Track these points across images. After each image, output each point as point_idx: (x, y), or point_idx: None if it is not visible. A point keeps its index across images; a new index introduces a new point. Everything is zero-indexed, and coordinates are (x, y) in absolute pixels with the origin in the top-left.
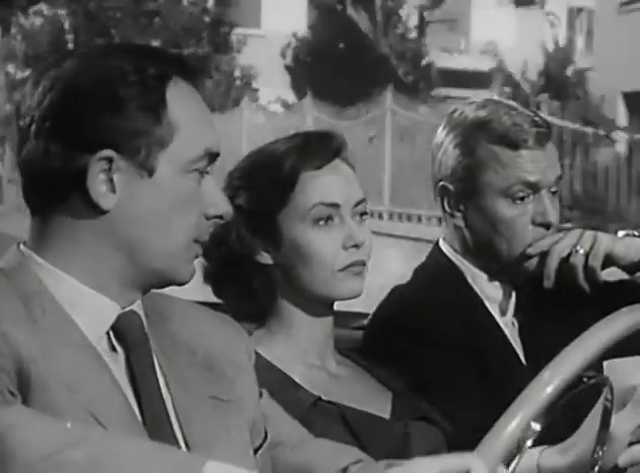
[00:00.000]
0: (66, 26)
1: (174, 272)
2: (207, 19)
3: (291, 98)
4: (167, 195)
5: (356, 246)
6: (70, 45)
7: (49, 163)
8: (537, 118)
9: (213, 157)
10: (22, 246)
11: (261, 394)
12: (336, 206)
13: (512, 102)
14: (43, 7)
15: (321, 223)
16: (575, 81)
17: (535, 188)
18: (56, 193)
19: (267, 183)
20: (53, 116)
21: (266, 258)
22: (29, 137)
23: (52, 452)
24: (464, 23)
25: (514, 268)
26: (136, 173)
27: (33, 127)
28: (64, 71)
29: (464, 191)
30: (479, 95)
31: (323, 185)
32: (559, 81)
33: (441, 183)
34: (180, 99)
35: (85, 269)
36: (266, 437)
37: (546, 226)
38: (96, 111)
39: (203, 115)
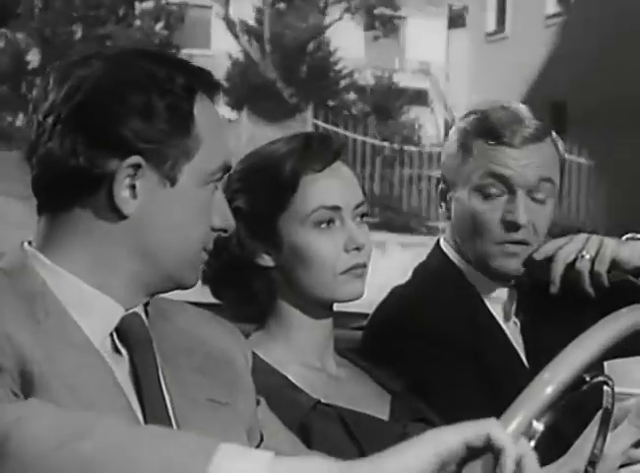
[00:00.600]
0: (24, 47)
1: (183, 277)
2: (156, 41)
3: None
4: (186, 205)
5: (358, 249)
6: (29, 66)
7: (75, 162)
8: (533, 121)
9: (227, 169)
10: (25, 245)
11: (258, 402)
12: (337, 209)
13: (522, 106)
14: (7, 31)
15: (322, 226)
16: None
17: (508, 185)
18: (75, 193)
19: (267, 187)
20: (83, 116)
21: (266, 261)
22: (52, 134)
23: (61, 444)
24: (398, 42)
25: (492, 268)
26: (159, 182)
27: (59, 126)
28: (92, 71)
29: (449, 182)
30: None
31: (324, 188)
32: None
33: (438, 176)
34: (204, 112)
35: (92, 270)
36: (262, 439)
37: (515, 226)
38: (129, 117)
39: (222, 129)
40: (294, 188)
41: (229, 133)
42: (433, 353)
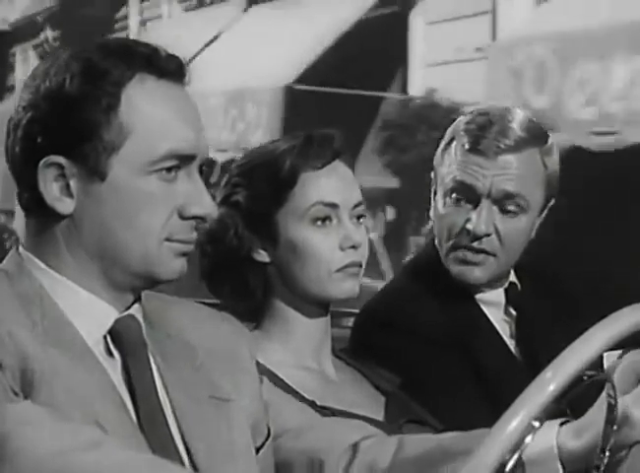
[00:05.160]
0: None
1: (153, 272)
2: None
3: None
4: (126, 197)
5: (354, 247)
6: None
7: (12, 165)
8: (517, 131)
9: (185, 158)
10: (20, 249)
11: (261, 381)
12: (334, 206)
13: (519, 113)
14: None
15: (318, 223)
16: None
17: (474, 194)
18: (31, 197)
19: (266, 182)
20: (20, 121)
21: (263, 256)
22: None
23: (61, 452)
24: None
25: (453, 275)
26: (89, 178)
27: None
28: (40, 72)
29: (433, 183)
30: None
31: (322, 185)
32: None
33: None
34: (142, 98)
35: (80, 273)
36: (269, 435)
37: (472, 235)
38: (47, 116)
39: (172, 114)
40: (293, 184)
41: (192, 116)
42: (417, 349)
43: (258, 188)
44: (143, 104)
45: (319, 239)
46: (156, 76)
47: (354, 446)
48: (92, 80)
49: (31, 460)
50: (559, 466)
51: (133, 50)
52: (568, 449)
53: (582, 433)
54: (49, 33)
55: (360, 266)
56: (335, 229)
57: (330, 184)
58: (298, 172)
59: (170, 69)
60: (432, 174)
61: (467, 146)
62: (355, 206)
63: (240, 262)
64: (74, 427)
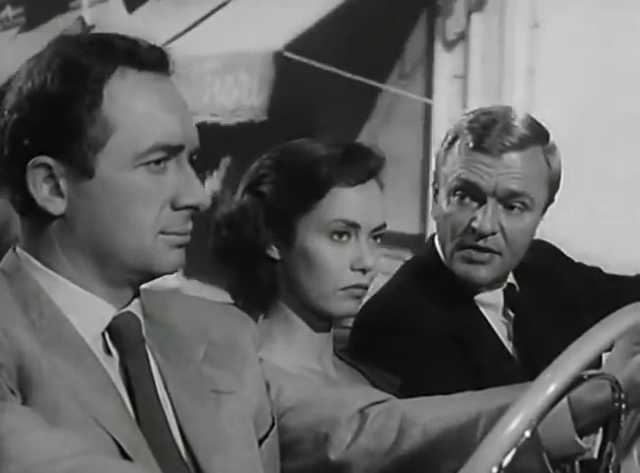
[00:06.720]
0: None
1: (150, 266)
2: None
3: None
4: (116, 193)
5: (363, 270)
6: None
7: (7, 172)
8: (521, 129)
9: (173, 149)
10: (17, 249)
11: (260, 361)
12: (355, 226)
13: (521, 112)
14: None
15: (335, 237)
16: None
17: (480, 193)
18: (23, 199)
19: (296, 184)
20: (7, 123)
21: (274, 253)
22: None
23: (50, 460)
24: None
25: (457, 274)
26: (78, 176)
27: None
28: (24, 72)
29: (435, 181)
30: None
31: (349, 203)
32: None
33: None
34: (124, 92)
35: (76, 271)
36: (273, 425)
37: (478, 233)
38: (31, 117)
39: (156, 106)
40: (322, 196)
41: (178, 106)
42: (416, 350)
43: (287, 189)
44: (125, 98)
45: (332, 254)
46: (137, 68)
47: (361, 414)
48: (72, 78)
49: (21, 469)
50: (570, 418)
51: (113, 45)
52: (582, 403)
53: (604, 386)
54: (10, 12)
55: (366, 288)
56: (350, 247)
57: (356, 203)
58: (330, 186)
59: (152, 60)
60: (434, 174)
61: (471, 144)
62: (376, 229)
63: (252, 253)
64: (63, 435)
